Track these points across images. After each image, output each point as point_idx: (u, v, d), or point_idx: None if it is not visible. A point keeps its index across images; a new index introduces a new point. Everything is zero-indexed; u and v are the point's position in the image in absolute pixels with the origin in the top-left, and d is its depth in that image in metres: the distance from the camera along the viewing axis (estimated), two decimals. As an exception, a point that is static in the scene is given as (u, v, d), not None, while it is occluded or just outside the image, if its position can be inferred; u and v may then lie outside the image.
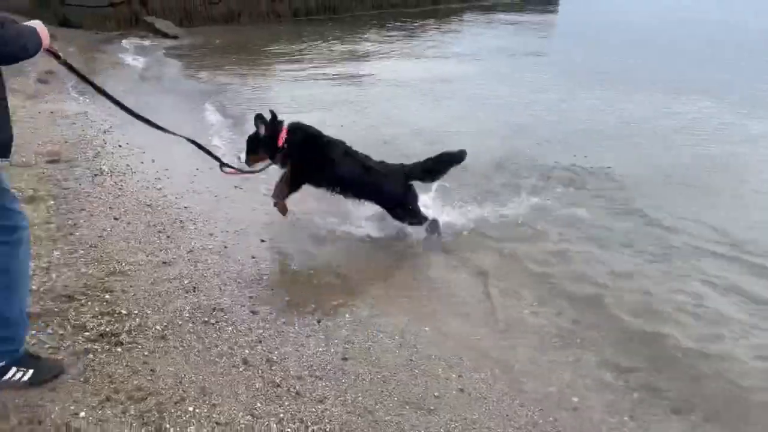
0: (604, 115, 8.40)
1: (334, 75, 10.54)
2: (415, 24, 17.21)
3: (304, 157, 4.43)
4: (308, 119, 7.76)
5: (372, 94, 9.34)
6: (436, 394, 2.85)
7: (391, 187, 4.54)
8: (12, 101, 7.34)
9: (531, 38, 15.30)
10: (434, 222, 4.67)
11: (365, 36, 15.15)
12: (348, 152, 4.55)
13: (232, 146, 6.48)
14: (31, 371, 2.52)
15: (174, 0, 14.96)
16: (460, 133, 7.37)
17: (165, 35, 13.45)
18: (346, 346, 3.13)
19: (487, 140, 7.10)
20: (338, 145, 4.56)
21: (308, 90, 9.50)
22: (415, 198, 4.63)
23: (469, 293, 3.93)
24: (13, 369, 2.49)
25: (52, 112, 6.99)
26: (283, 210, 4.53)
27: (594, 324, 3.63)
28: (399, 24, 17.20)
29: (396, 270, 4.20)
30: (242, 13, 16.16)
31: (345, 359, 3.02)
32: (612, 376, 3.18)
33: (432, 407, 2.76)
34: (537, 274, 4.20)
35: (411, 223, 4.62)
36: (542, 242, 4.69)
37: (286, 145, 4.39)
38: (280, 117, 4.49)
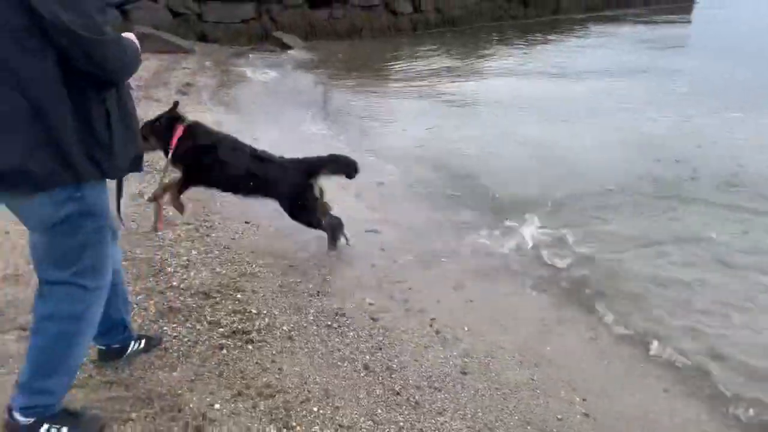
0: (741, 135, 7.77)
1: (448, 91, 10.51)
2: (536, 36, 16.88)
3: (198, 160, 4.03)
4: (419, 134, 7.85)
5: (486, 110, 9.20)
6: (558, 416, 2.76)
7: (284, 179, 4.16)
8: (157, 111, 7.97)
9: (660, 51, 14.49)
10: (337, 225, 4.29)
11: (483, 50, 15.06)
12: (237, 147, 4.20)
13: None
14: (64, 429, 2.28)
15: (300, 16, 15.69)
16: (581, 150, 7.12)
17: (292, 49, 14.11)
18: (465, 359, 3.11)
19: (609, 160, 6.81)
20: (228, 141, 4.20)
21: (422, 104, 9.57)
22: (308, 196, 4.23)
23: (587, 318, 3.78)
24: (45, 426, 2.26)
25: (191, 122, 7.51)
26: (180, 208, 4.20)
27: (719, 360, 3.37)
28: (519, 35, 16.96)
29: (517, 288, 4.12)
30: (364, 28, 16.63)
31: (464, 373, 2.99)
32: (751, 415, 2.94)
33: (555, 429, 2.67)
34: (660, 303, 3.95)
35: (308, 224, 4.23)
36: (661, 266, 4.42)
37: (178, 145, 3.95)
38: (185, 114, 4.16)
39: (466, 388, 2.88)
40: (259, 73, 11.70)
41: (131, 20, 13.04)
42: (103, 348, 2.72)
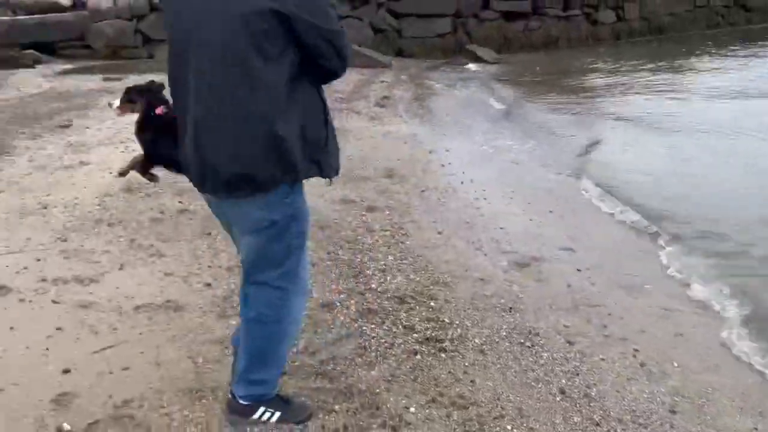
0: None
1: (654, 108, 9.57)
2: (760, 46, 15.04)
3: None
4: (619, 153, 7.30)
5: (699, 130, 8.21)
6: (791, 477, 2.41)
7: None
8: (358, 122, 8.49)
9: None
10: None
11: (697, 62, 13.77)
12: None
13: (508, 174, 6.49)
14: (278, 413, 2.47)
15: (496, 29, 15.68)
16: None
17: (485, 62, 14.15)
18: (675, 398, 2.84)
19: None
20: None
21: (623, 122, 8.92)
22: None
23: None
24: (261, 409, 2.46)
25: (388, 133, 7.86)
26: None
27: None
28: (738, 45, 15.24)
29: (732, 326, 3.68)
30: (560, 38, 16.16)
31: (673, 412, 2.74)
32: None
33: (784, 492, 2.33)
34: None
35: None
36: None
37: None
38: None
39: (676, 429, 2.63)
40: (452, 86, 11.89)
41: (337, 37, 14.00)
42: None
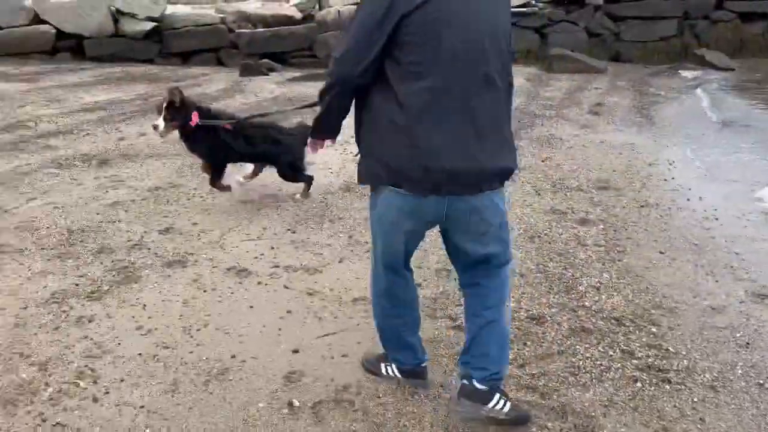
0: None
1: None
2: None
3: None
4: None
5: None
6: None
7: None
8: (569, 130, 8.17)
9: None
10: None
11: None
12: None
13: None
14: (509, 404, 2.51)
15: (730, 31, 14.12)
16: None
17: (715, 67, 12.81)
18: None
19: None
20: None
21: None
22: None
23: None
24: (497, 396, 2.51)
25: (601, 142, 7.47)
26: (222, 188, 5.20)
27: None
28: None
29: None
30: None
31: None
32: None
33: None
34: None
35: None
36: None
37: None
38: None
39: None
40: (676, 93, 10.95)
41: (549, 42, 13.68)
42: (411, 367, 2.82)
